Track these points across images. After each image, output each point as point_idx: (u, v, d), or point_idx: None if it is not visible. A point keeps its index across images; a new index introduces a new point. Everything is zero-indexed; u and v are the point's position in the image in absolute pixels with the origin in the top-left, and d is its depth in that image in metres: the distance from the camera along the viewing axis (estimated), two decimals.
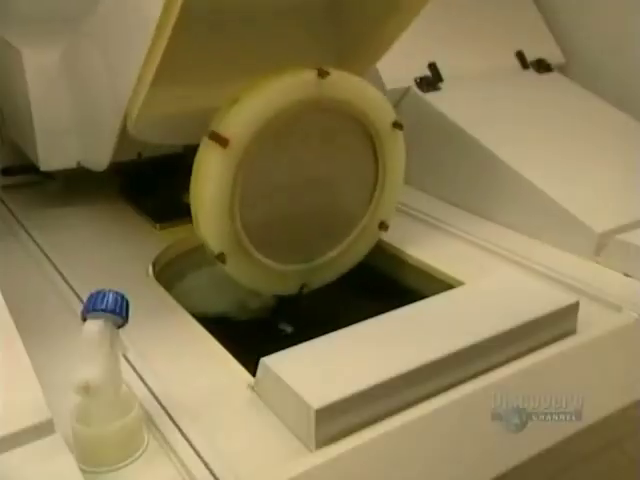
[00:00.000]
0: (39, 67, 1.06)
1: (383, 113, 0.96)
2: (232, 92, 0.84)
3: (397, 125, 0.97)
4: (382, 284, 1.12)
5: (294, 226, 0.95)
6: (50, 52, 1.06)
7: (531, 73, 1.49)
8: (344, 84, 0.90)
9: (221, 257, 0.87)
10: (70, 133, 1.09)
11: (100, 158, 1.03)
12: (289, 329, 1.05)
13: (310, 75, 0.86)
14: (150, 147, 1.10)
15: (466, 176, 1.23)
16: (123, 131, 0.93)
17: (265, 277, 0.95)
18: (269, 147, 0.86)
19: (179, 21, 0.73)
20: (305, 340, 0.74)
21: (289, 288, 0.99)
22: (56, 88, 1.06)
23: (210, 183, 0.84)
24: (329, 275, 1.03)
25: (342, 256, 1.01)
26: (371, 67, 1.05)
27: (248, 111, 0.83)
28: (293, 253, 0.96)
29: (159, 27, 0.74)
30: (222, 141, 0.81)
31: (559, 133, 1.28)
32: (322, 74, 0.86)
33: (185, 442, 0.62)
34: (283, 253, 0.94)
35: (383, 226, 1.03)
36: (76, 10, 0.99)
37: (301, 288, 1.00)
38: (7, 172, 1.30)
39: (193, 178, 0.85)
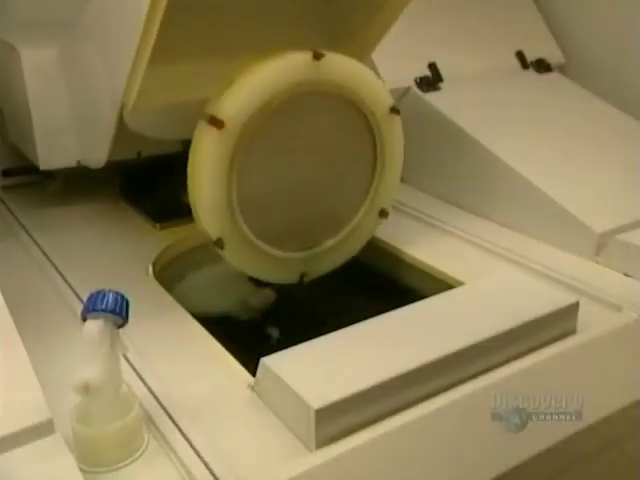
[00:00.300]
0: (37, 66, 1.06)
1: (380, 97, 0.95)
2: (227, 75, 0.83)
3: (394, 110, 0.96)
4: (382, 284, 1.12)
5: (293, 212, 0.94)
6: (48, 51, 1.06)
7: (531, 73, 1.49)
8: (339, 66, 0.90)
9: (219, 243, 0.86)
10: (69, 132, 1.09)
11: (98, 154, 1.03)
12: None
13: (305, 57, 0.86)
14: (149, 146, 1.10)
15: (466, 176, 1.23)
16: (122, 128, 0.93)
17: (264, 264, 0.94)
18: (266, 131, 0.86)
19: (171, 4, 0.73)
20: (304, 340, 0.74)
21: (289, 276, 0.98)
22: (54, 86, 1.06)
23: (206, 166, 0.83)
24: (330, 263, 1.02)
25: (343, 244, 1.01)
26: (365, 58, 1.03)
27: (243, 93, 0.83)
28: (293, 240, 0.95)
29: (151, 9, 0.74)
30: (217, 123, 0.81)
31: (559, 133, 1.28)
32: (317, 56, 0.86)
33: (185, 442, 0.62)
34: (282, 240, 0.94)
35: (383, 213, 1.02)
36: (73, 12, 1.00)
37: (301, 277, 0.99)
38: (7, 174, 1.30)
39: (190, 162, 0.84)
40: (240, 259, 0.91)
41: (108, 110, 0.93)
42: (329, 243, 0.99)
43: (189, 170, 0.84)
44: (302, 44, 0.87)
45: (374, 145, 0.97)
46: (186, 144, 0.87)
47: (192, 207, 0.86)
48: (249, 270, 0.95)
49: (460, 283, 0.96)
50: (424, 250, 1.07)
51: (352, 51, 0.95)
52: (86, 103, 1.04)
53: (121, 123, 0.92)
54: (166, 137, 1.01)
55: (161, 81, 0.86)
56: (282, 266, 0.96)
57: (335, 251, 1.01)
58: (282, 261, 0.95)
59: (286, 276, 0.98)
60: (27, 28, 1.16)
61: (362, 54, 1.00)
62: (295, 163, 0.93)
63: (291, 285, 1.00)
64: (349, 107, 0.93)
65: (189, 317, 0.87)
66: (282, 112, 0.86)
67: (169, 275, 1.04)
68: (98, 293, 0.59)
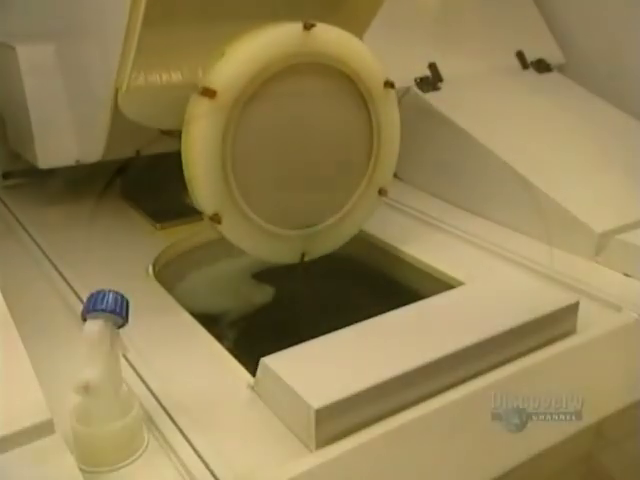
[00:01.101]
0: (34, 62, 1.06)
1: (373, 70, 0.94)
2: (218, 48, 0.84)
3: (389, 84, 0.95)
4: (382, 284, 1.12)
5: (292, 188, 0.93)
6: (44, 47, 1.06)
7: (531, 73, 1.49)
8: (330, 37, 0.89)
9: (216, 217, 0.85)
10: (67, 130, 1.08)
11: (95, 146, 1.03)
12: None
13: (296, 27, 0.85)
14: (149, 143, 1.09)
15: (467, 176, 1.23)
16: (120, 124, 0.93)
17: (263, 242, 0.93)
18: (259, 103, 0.85)
19: None
20: (305, 340, 0.74)
21: (289, 255, 0.97)
22: (52, 82, 1.06)
23: (200, 136, 0.82)
24: (330, 243, 1.01)
25: (342, 223, 1.00)
26: (361, 33, 1.02)
27: (234, 63, 0.83)
28: (292, 217, 0.94)
29: None
30: (209, 93, 0.81)
31: (559, 133, 1.28)
32: (307, 26, 0.85)
33: (185, 442, 0.62)
34: (281, 217, 0.93)
35: (382, 192, 1.02)
36: (68, 8, 1.00)
37: (302, 257, 0.98)
38: (8, 176, 1.30)
39: (183, 135, 0.83)
40: (238, 235, 0.90)
41: (103, 95, 0.93)
42: (329, 221, 0.98)
43: (182, 143, 0.83)
44: (294, 16, 0.86)
45: (370, 120, 0.96)
46: None
47: (187, 183, 0.85)
48: (248, 248, 0.93)
49: (460, 283, 0.96)
50: (424, 250, 1.07)
51: (346, 25, 0.94)
52: (82, 94, 1.04)
53: (119, 118, 0.92)
54: (162, 126, 0.99)
55: (152, 59, 0.86)
56: (281, 244, 0.95)
57: (335, 230, 1.00)
58: (281, 239, 0.94)
59: (286, 255, 0.97)
60: (24, 26, 1.16)
61: (357, 29, 0.99)
62: (292, 138, 0.92)
63: (290, 285, 1.00)
64: (344, 81, 0.92)
65: (189, 317, 0.87)
66: (275, 84, 0.86)
67: (169, 275, 1.04)
68: (98, 293, 0.59)
